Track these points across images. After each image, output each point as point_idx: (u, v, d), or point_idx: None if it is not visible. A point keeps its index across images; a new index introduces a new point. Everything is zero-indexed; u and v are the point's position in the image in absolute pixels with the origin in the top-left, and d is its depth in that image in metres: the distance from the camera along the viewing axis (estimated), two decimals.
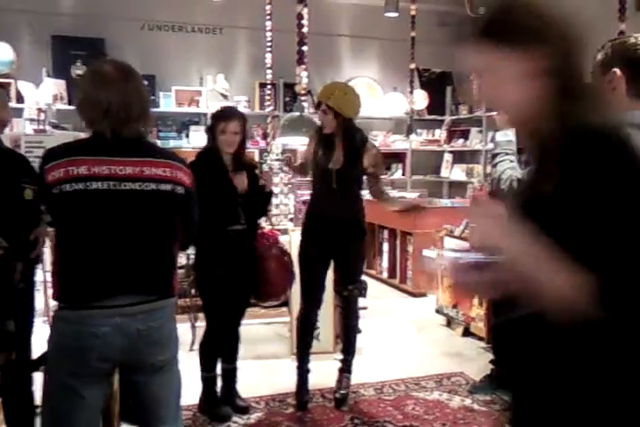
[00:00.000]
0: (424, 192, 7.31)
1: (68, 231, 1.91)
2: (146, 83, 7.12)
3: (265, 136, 7.01)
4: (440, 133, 8.20)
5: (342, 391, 3.49)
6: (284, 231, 4.35)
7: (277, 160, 5.04)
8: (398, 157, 8.04)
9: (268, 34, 6.09)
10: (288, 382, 3.56)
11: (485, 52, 1.26)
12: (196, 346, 3.47)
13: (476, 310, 4.48)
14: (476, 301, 4.48)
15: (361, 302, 5.19)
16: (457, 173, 8.00)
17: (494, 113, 5.64)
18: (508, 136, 2.08)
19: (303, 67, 4.37)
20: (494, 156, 2.03)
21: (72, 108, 5.92)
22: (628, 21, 5.08)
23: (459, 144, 7.99)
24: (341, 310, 3.60)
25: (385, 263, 6.42)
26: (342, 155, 3.30)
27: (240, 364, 3.40)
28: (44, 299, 4.08)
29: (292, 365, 3.60)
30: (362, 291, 3.62)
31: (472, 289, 1.40)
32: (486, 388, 3.63)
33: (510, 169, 1.92)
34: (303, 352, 3.49)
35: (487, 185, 3.94)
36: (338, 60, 7.84)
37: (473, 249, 1.26)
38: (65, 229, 1.92)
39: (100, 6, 6.67)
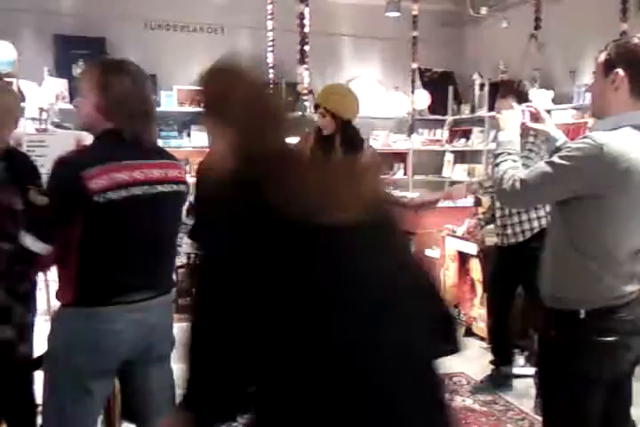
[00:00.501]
0: (425, 192, 7.31)
1: (100, 235, 1.86)
2: None
3: None
4: (442, 133, 8.19)
5: None
6: None
7: None
8: (400, 156, 8.03)
9: (270, 33, 6.09)
10: None
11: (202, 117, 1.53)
12: None
13: (478, 311, 4.48)
14: (477, 301, 4.48)
15: None
16: (458, 172, 7.99)
17: (497, 113, 5.64)
18: (510, 136, 2.07)
19: (305, 66, 4.37)
20: (496, 156, 2.03)
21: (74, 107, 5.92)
22: (630, 22, 5.08)
23: (460, 144, 7.98)
24: None
25: None
26: (339, 155, 3.33)
27: None
28: (45, 297, 4.08)
29: None
30: None
31: None
32: (487, 388, 3.63)
33: (512, 169, 1.92)
34: None
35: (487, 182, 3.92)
36: (339, 59, 7.83)
37: None
38: (97, 233, 1.86)
39: (102, 6, 6.67)
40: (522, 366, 3.88)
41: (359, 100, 3.41)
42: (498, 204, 3.54)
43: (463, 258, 4.64)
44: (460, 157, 8.15)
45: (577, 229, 1.83)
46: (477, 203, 4.37)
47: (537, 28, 5.87)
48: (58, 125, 5.70)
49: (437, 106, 7.95)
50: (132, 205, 1.84)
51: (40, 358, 2.25)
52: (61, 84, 6.48)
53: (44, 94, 6.21)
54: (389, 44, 7.72)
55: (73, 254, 1.86)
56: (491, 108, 7.16)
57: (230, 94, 1.36)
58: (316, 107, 3.38)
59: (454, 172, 8.06)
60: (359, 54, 7.91)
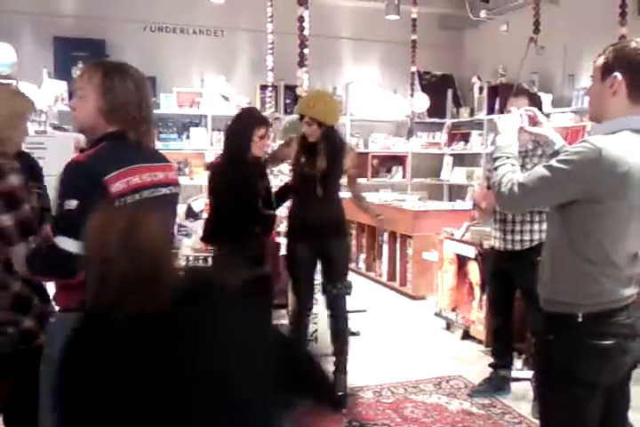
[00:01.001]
0: (424, 195, 7.32)
1: None
2: None
3: None
4: (440, 136, 8.21)
5: (340, 393, 3.50)
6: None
7: None
8: (399, 159, 8.05)
9: (270, 36, 6.10)
10: None
11: None
12: None
13: (476, 314, 4.47)
14: (475, 304, 4.48)
15: (360, 304, 5.20)
16: (457, 175, 8.00)
17: (495, 116, 5.64)
18: (508, 140, 2.07)
19: (304, 69, 4.37)
20: (495, 159, 2.03)
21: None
22: (629, 26, 5.09)
23: (459, 147, 8.00)
24: (330, 311, 3.61)
25: (384, 266, 6.41)
26: (325, 161, 3.42)
27: None
28: None
29: None
30: (349, 289, 3.69)
31: None
32: (485, 391, 3.63)
33: (511, 173, 1.92)
34: None
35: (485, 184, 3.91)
36: (339, 62, 7.85)
37: None
38: None
39: (102, 8, 6.69)
40: (519, 370, 3.88)
41: (340, 104, 3.53)
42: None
43: (461, 261, 4.65)
44: (459, 160, 8.16)
45: (575, 232, 1.83)
46: (476, 206, 4.37)
47: (536, 31, 5.87)
48: (57, 127, 5.70)
49: (436, 109, 7.97)
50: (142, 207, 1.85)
51: None
52: (61, 87, 6.48)
53: (44, 96, 6.20)
54: (389, 48, 7.74)
55: None
56: (490, 112, 7.18)
57: None
58: (302, 117, 3.43)
59: (453, 175, 8.07)
60: (359, 57, 7.92)
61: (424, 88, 7.91)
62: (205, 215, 4.82)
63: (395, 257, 6.22)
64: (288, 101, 7.37)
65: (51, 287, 2.12)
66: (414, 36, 6.57)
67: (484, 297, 4.32)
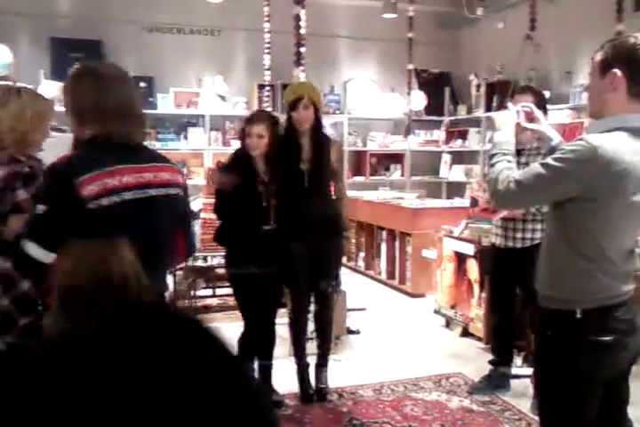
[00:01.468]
0: (422, 193, 7.32)
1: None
2: (144, 84, 7.07)
3: None
4: (438, 134, 8.21)
5: (322, 385, 3.54)
6: None
7: None
8: (397, 157, 8.05)
9: (267, 35, 6.10)
10: (286, 384, 3.57)
11: None
12: None
13: (475, 311, 4.48)
14: (474, 301, 4.48)
15: (360, 302, 5.21)
16: (455, 173, 8.01)
17: (493, 113, 5.63)
18: (505, 137, 2.07)
19: (301, 68, 4.38)
20: (491, 156, 2.03)
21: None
22: (626, 22, 5.09)
23: (457, 145, 8.00)
24: (318, 307, 3.60)
25: (383, 264, 6.42)
26: (311, 153, 3.33)
27: None
28: None
29: (290, 366, 3.61)
30: (338, 287, 3.68)
31: None
32: (485, 388, 3.63)
33: (507, 170, 1.92)
34: (300, 352, 3.56)
35: (484, 184, 3.93)
36: (336, 61, 7.84)
37: None
38: (90, 239, 1.87)
39: (99, 8, 6.68)
40: (519, 367, 3.89)
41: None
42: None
43: (460, 259, 4.65)
44: (457, 157, 8.16)
45: (572, 229, 1.84)
46: (474, 203, 4.37)
47: (533, 28, 5.89)
48: (54, 129, 5.69)
49: (434, 107, 7.97)
50: (124, 210, 1.82)
51: None
52: (58, 87, 6.47)
53: None
54: (386, 46, 7.74)
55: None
56: (487, 109, 7.19)
57: None
58: (298, 100, 3.28)
59: (451, 172, 8.08)
60: (355, 56, 7.92)
61: (421, 86, 7.90)
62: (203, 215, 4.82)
63: (394, 255, 6.23)
64: None
65: None
66: (411, 34, 6.57)
67: (483, 294, 4.33)
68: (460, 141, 7.98)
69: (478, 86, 7.58)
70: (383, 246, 6.42)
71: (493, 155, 2.02)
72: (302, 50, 4.35)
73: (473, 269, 4.49)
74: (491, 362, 3.72)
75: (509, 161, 1.97)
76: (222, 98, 7.24)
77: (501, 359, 3.69)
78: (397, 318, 5.20)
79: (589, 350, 1.83)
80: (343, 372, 3.89)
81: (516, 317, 3.73)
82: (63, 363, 1.25)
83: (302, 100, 3.28)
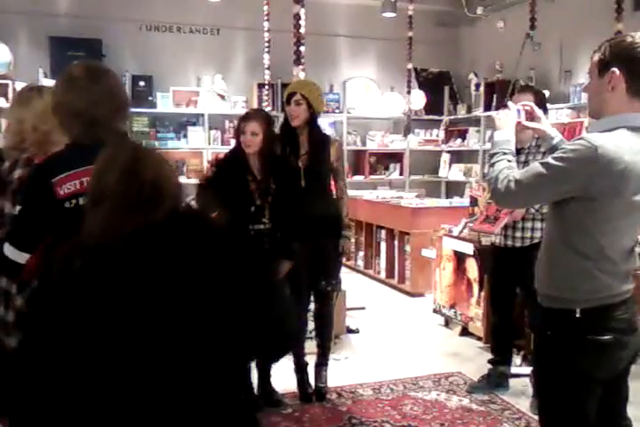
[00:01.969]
0: (422, 192, 7.32)
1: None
2: (143, 83, 7.00)
3: None
4: (438, 133, 8.21)
5: (321, 385, 3.54)
6: None
7: None
8: (396, 157, 8.05)
9: (266, 34, 6.10)
10: (285, 383, 3.57)
11: None
12: None
13: (474, 310, 4.48)
14: (473, 300, 4.49)
15: (359, 302, 5.21)
16: (455, 172, 8.01)
17: (493, 112, 5.63)
18: (506, 136, 2.07)
19: (301, 67, 4.37)
20: (492, 155, 2.03)
21: None
22: (625, 22, 5.09)
23: (456, 144, 8.00)
24: (317, 306, 3.59)
25: (383, 263, 6.41)
26: (308, 151, 3.32)
27: None
28: None
29: (288, 365, 3.60)
30: (338, 286, 3.67)
31: None
32: (484, 387, 3.63)
33: (508, 169, 1.92)
34: (299, 351, 3.55)
35: (484, 184, 3.93)
36: (335, 60, 7.84)
37: None
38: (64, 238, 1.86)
39: (98, 7, 6.67)
40: (518, 366, 3.89)
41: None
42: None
43: (459, 258, 4.65)
44: (457, 157, 8.16)
45: (572, 228, 1.84)
46: (473, 203, 4.37)
47: (532, 27, 5.88)
48: None
49: (433, 106, 7.97)
50: None
51: None
52: None
53: None
54: (385, 45, 7.74)
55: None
56: (487, 108, 7.19)
57: None
58: (290, 95, 3.31)
59: (450, 172, 8.08)
60: (355, 55, 7.92)
61: (421, 85, 7.90)
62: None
63: (393, 254, 6.23)
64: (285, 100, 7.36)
65: None
66: (411, 33, 6.56)
67: (483, 294, 4.33)
68: (459, 141, 7.98)
69: (478, 85, 7.58)
70: (382, 246, 6.41)
71: (493, 154, 2.02)
72: (302, 49, 4.33)
73: (472, 268, 4.49)
74: (490, 361, 3.72)
75: (509, 160, 1.97)
76: (222, 97, 7.24)
77: (501, 358, 3.69)
78: (397, 318, 5.20)
79: (589, 350, 1.83)
80: (342, 371, 3.89)
81: (515, 316, 3.73)
82: (103, 271, 1.25)
83: (294, 96, 3.29)
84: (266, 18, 6.00)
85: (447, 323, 4.92)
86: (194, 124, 7.24)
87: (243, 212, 3.13)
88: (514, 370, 3.75)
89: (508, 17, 6.98)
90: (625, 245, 1.84)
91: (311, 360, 3.59)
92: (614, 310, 1.83)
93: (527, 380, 3.56)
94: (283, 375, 3.62)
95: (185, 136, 7.17)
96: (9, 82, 6.18)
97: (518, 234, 3.42)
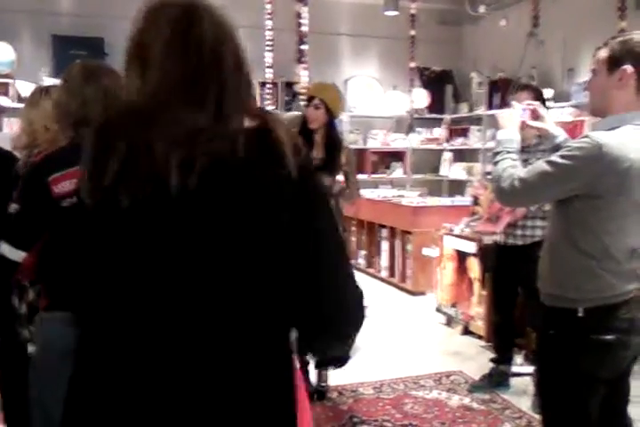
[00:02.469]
0: (424, 191, 7.32)
1: (67, 239, 1.87)
2: None
3: None
4: (440, 132, 8.20)
5: (322, 384, 3.55)
6: None
7: None
8: (398, 155, 8.04)
9: (268, 33, 6.09)
10: None
11: None
12: None
13: (476, 309, 4.48)
14: (475, 299, 4.48)
15: None
16: (456, 171, 8.00)
17: (495, 111, 5.63)
18: (510, 135, 2.07)
19: (303, 66, 4.37)
20: (495, 154, 2.03)
21: None
22: (628, 20, 5.09)
23: (458, 143, 7.99)
24: None
25: (384, 262, 6.42)
26: (322, 153, 3.37)
27: None
28: None
29: None
30: None
31: None
32: (485, 386, 3.63)
33: (511, 168, 1.92)
34: None
35: (485, 182, 3.93)
36: (338, 58, 7.83)
37: None
38: (64, 238, 1.79)
39: (100, 6, 6.66)
40: (519, 365, 3.89)
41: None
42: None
43: (461, 257, 4.65)
44: (459, 155, 8.15)
45: (575, 227, 1.84)
46: (475, 202, 4.37)
47: (535, 26, 5.88)
48: None
49: (436, 104, 7.96)
50: None
51: None
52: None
53: None
54: (388, 43, 7.72)
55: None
56: (489, 107, 7.18)
57: None
58: (310, 98, 3.42)
59: (452, 170, 8.07)
60: (357, 53, 7.91)
61: (423, 84, 7.89)
62: None
63: (394, 253, 6.23)
64: (287, 98, 7.36)
65: None
66: (413, 31, 6.57)
67: (484, 292, 4.32)
68: (461, 139, 7.97)
69: (480, 84, 7.57)
70: (384, 244, 6.41)
71: (497, 153, 2.02)
72: (304, 47, 4.34)
73: (474, 267, 4.48)
74: (491, 360, 3.72)
75: (514, 159, 1.97)
76: None
77: (502, 357, 3.69)
78: (398, 316, 5.20)
79: (591, 349, 1.83)
80: (343, 370, 3.89)
81: (516, 315, 3.72)
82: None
83: (314, 100, 3.38)
84: (268, 16, 5.99)
85: (448, 322, 4.92)
86: None
87: None
88: (515, 369, 3.75)
89: (510, 15, 6.96)
90: (629, 245, 1.84)
91: (312, 359, 3.59)
92: (618, 310, 1.83)
93: (528, 379, 3.56)
94: None
95: None
96: (12, 80, 6.18)
97: (519, 232, 3.42)
